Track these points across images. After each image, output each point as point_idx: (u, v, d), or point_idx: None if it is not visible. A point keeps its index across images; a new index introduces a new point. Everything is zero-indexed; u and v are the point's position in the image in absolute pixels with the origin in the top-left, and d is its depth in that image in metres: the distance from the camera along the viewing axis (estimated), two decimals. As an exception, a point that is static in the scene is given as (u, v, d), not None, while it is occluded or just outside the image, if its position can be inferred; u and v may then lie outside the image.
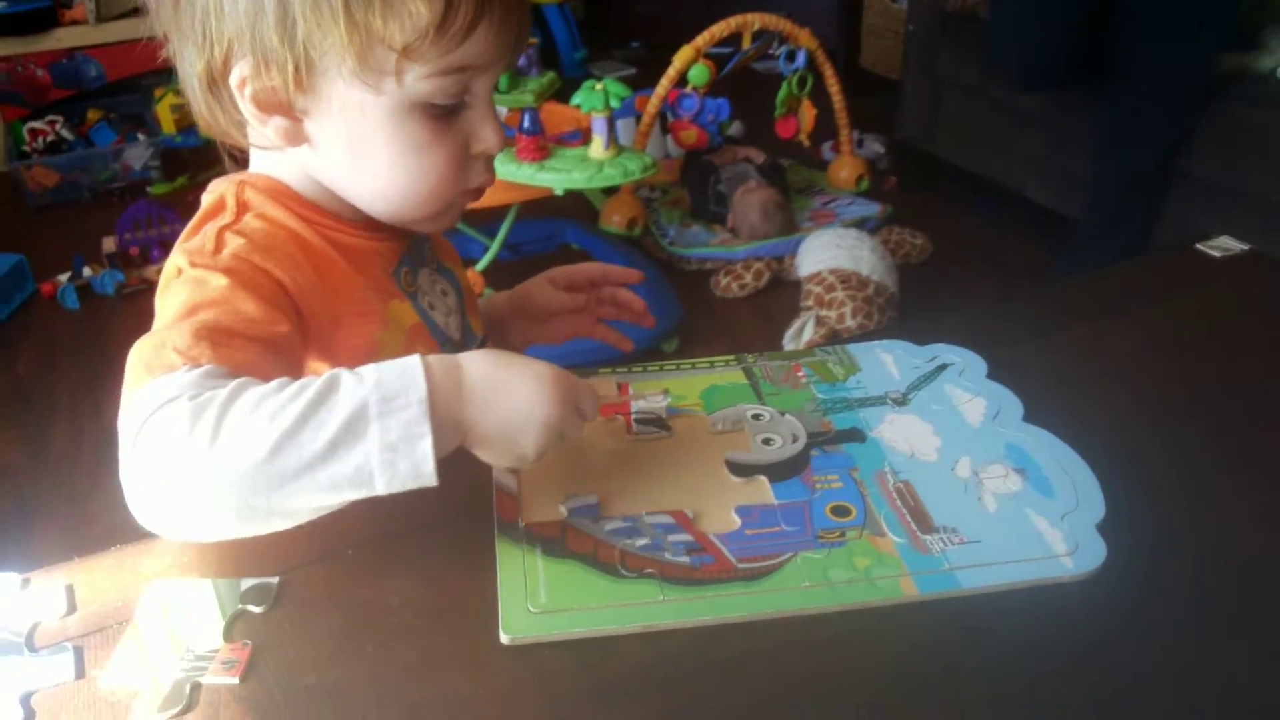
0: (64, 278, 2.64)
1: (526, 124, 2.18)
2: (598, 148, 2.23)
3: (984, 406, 0.73)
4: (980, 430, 0.71)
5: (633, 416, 0.73)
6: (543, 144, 2.21)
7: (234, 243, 0.65)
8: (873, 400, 0.75)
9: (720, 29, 2.59)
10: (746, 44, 2.76)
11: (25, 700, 0.54)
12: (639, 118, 2.64)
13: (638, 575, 0.59)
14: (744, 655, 0.55)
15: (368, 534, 0.64)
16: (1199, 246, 0.96)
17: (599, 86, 2.21)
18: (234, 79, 0.65)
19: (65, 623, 0.59)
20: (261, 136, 0.69)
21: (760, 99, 3.03)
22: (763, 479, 0.67)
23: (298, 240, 0.70)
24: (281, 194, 0.71)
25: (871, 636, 0.57)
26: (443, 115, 0.68)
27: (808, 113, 2.87)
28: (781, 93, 2.86)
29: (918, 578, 0.59)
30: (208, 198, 0.71)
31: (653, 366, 0.79)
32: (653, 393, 0.76)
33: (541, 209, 2.47)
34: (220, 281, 0.62)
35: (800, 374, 0.78)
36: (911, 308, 2.31)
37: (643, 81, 2.94)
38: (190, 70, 0.67)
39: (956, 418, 0.72)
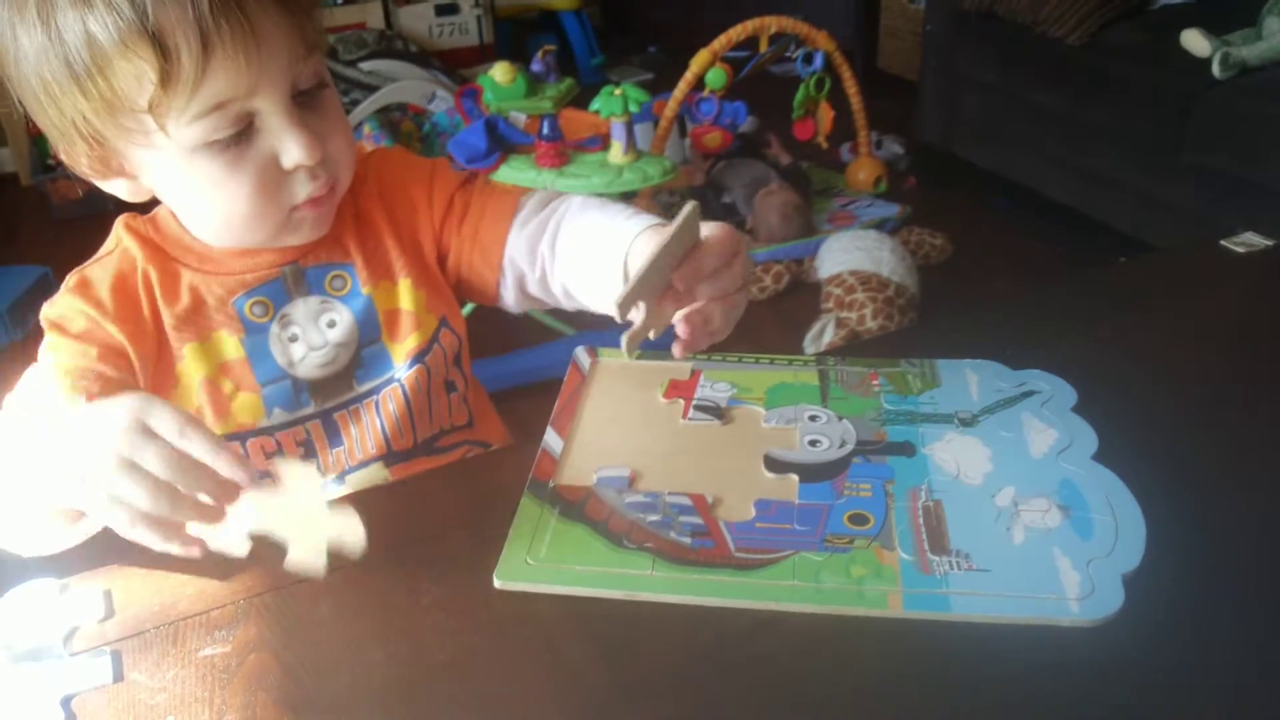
0: (90, 289, 2.67)
1: (545, 130, 2.19)
2: (617, 153, 2.23)
3: (1054, 438, 0.69)
4: (1039, 462, 0.68)
5: (692, 403, 0.75)
6: (562, 150, 2.21)
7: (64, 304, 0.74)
8: (939, 418, 0.72)
9: (737, 32, 2.59)
10: (764, 47, 2.75)
11: (66, 703, 0.55)
12: (658, 122, 2.64)
13: (636, 548, 0.61)
14: (718, 639, 0.56)
15: (400, 536, 0.65)
16: (1223, 243, 0.96)
17: (618, 92, 2.22)
18: (62, 156, 0.67)
19: (103, 627, 0.60)
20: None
21: (778, 101, 3.02)
22: (793, 478, 0.67)
23: (121, 288, 0.74)
24: (153, 228, 0.76)
25: (848, 648, 0.56)
26: (231, 144, 0.66)
27: (825, 114, 2.86)
28: (799, 95, 2.85)
29: (907, 595, 0.57)
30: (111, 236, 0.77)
31: (731, 357, 0.80)
32: (720, 383, 0.77)
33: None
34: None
35: (875, 382, 0.76)
36: (932, 308, 2.30)
37: (660, 86, 2.93)
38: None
39: (1020, 447, 0.69)
